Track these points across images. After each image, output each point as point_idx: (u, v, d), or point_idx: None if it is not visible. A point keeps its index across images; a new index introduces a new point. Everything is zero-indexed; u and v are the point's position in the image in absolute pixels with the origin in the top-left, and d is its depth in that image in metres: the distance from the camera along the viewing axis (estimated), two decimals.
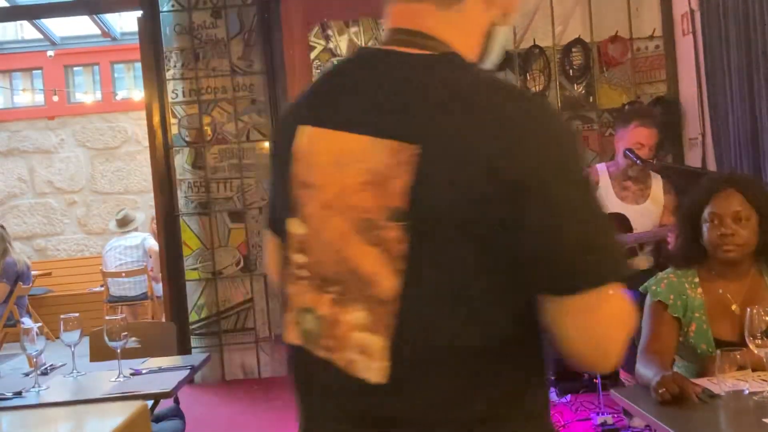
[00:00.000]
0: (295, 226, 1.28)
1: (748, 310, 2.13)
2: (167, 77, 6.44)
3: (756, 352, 2.13)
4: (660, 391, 2.16)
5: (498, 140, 1.11)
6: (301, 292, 1.28)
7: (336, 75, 1.34)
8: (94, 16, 9.28)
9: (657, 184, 4.62)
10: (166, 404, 3.75)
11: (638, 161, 4.48)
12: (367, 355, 1.19)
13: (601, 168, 4.68)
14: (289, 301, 1.32)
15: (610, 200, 4.52)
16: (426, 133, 1.14)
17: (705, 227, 2.63)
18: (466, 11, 1.24)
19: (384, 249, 1.16)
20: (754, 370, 2.21)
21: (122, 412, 1.03)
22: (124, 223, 8.56)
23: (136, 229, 8.62)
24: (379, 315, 1.17)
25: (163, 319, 6.99)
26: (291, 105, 1.40)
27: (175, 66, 6.44)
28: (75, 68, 10.86)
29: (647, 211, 4.57)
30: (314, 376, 1.30)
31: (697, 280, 2.66)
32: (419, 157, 1.13)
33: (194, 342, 6.44)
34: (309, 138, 1.27)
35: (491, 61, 1.32)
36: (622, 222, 4.44)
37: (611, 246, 1.17)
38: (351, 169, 1.19)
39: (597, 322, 1.16)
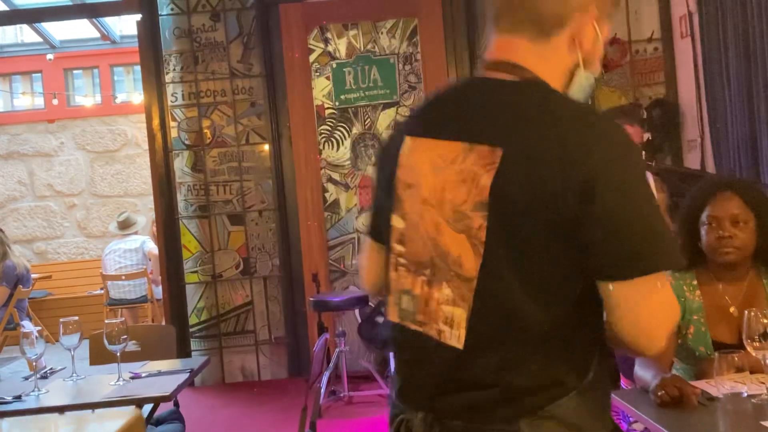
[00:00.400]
0: (397, 221, 1.53)
1: (746, 312, 2.13)
2: (166, 80, 6.44)
3: (754, 354, 2.13)
4: (659, 393, 2.17)
5: (568, 144, 1.32)
6: (400, 277, 1.52)
7: (438, 96, 1.56)
8: (94, 20, 9.29)
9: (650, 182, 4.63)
10: (166, 407, 3.75)
11: None
12: (450, 325, 1.42)
13: None
14: (390, 285, 1.56)
15: None
16: (508, 137, 1.36)
17: (703, 230, 2.63)
18: (553, 48, 1.45)
19: (469, 235, 1.39)
20: (752, 373, 2.21)
21: (119, 420, 1.04)
22: (125, 225, 8.56)
23: (136, 233, 8.61)
24: (461, 291, 1.40)
25: (163, 322, 6.99)
26: (400, 121, 1.76)
27: (174, 69, 6.45)
28: (75, 71, 10.86)
29: None
30: (407, 347, 1.53)
31: (695, 282, 2.66)
32: (502, 158, 1.35)
33: (194, 345, 6.44)
34: (411, 146, 1.52)
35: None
36: None
37: (667, 237, 1.35)
38: (447, 171, 1.43)
39: (645, 309, 1.34)
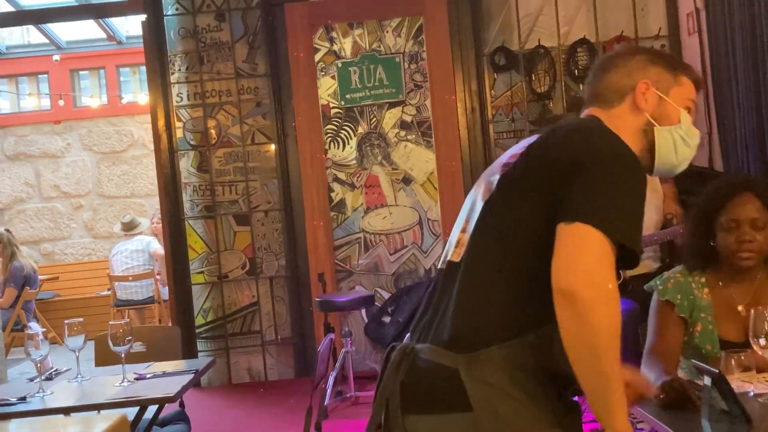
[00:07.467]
0: None
1: (752, 311, 2.11)
2: (172, 81, 6.44)
3: (761, 353, 2.11)
4: (661, 396, 2.15)
5: (566, 143, 1.74)
6: None
7: None
8: (100, 20, 9.30)
9: None
10: (171, 408, 3.75)
11: None
12: (459, 246, 1.80)
13: None
14: None
15: None
16: (545, 132, 1.81)
17: (721, 232, 2.59)
18: (619, 113, 1.86)
19: (487, 188, 1.79)
20: (759, 372, 2.19)
21: (102, 424, 1.02)
22: (130, 227, 8.57)
23: (141, 233, 8.62)
24: (470, 223, 1.79)
25: (170, 323, 6.99)
26: None
27: (179, 69, 6.44)
28: (81, 72, 10.88)
29: (649, 203, 4.49)
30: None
31: (703, 280, 2.64)
32: (535, 140, 1.79)
33: (200, 345, 6.43)
34: None
35: (667, 154, 1.87)
36: None
37: (622, 212, 1.61)
38: (523, 149, 1.81)
39: (579, 250, 1.57)
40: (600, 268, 1.56)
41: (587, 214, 1.58)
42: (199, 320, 6.46)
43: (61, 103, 10.33)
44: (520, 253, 1.68)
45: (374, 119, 6.41)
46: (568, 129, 1.80)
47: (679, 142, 1.86)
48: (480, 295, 1.70)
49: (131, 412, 3.27)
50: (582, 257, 1.56)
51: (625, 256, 1.63)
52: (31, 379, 3.52)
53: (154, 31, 6.44)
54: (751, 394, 2.08)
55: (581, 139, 1.73)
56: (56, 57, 10.39)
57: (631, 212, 1.63)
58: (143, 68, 7.48)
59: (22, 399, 3.17)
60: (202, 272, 6.47)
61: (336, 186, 6.43)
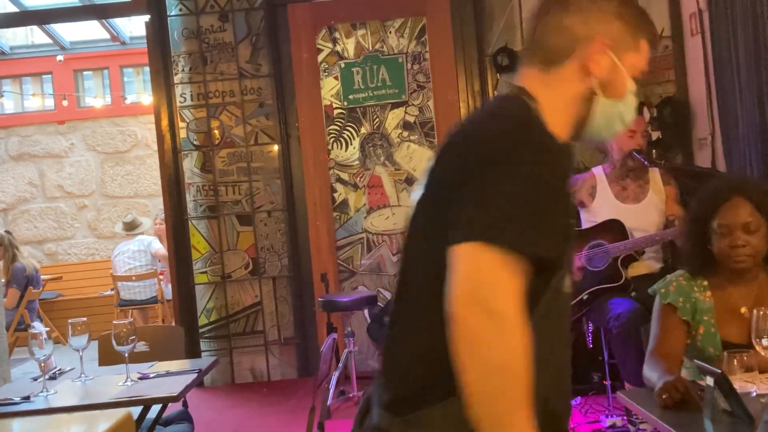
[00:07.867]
0: None
1: (754, 311, 2.12)
2: (175, 81, 6.45)
3: (763, 354, 2.12)
4: (663, 396, 2.15)
5: (465, 142, 1.48)
6: None
7: None
8: (104, 21, 9.32)
9: (655, 176, 4.61)
10: (174, 408, 3.76)
11: (646, 162, 4.48)
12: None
13: (598, 171, 4.65)
14: None
15: (609, 204, 4.49)
16: (451, 131, 1.55)
17: (714, 237, 2.59)
18: (559, 77, 1.54)
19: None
20: (761, 372, 2.20)
21: (107, 421, 1.03)
22: (131, 227, 8.58)
23: (142, 233, 8.63)
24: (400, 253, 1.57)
25: (173, 323, 7.00)
26: None
27: (183, 70, 6.45)
28: (85, 73, 10.89)
29: (651, 205, 4.55)
30: None
31: (706, 283, 2.64)
32: (441, 145, 1.54)
33: (203, 345, 6.44)
34: None
35: (598, 129, 1.59)
36: (618, 228, 4.40)
37: (512, 218, 1.34)
38: None
39: (459, 274, 1.32)
40: (495, 292, 1.29)
41: (479, 230, 1.32)
42: (202, 320, 6.47)
43: (64, 103, 10.34)
44: (440, 293, 1.36)
45: (377, 120, 6.42)
46: (466, 125, 1.56)
47: (617, 119, 1.59)
48: (407, 349, 1.47)
49: (134, 412, 3.28)
50: (474, 281, 1.30)
51: (545, 265, 1.38)
52: (35, 379, 3.53)
53: (158, 31, 6.45)
54: (754, 394, 2.08)
55: (473, 135, 1.46)
56: (60, 57, 10.41)
57: (538, 215, 1.36)
58: (147, 69, 7.48)
59: (26, 398, 3.19)
60: (205, 272, 6.48)
61: (339, 186, 6.44)
